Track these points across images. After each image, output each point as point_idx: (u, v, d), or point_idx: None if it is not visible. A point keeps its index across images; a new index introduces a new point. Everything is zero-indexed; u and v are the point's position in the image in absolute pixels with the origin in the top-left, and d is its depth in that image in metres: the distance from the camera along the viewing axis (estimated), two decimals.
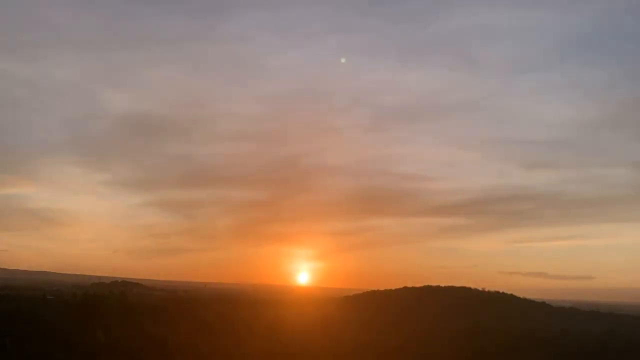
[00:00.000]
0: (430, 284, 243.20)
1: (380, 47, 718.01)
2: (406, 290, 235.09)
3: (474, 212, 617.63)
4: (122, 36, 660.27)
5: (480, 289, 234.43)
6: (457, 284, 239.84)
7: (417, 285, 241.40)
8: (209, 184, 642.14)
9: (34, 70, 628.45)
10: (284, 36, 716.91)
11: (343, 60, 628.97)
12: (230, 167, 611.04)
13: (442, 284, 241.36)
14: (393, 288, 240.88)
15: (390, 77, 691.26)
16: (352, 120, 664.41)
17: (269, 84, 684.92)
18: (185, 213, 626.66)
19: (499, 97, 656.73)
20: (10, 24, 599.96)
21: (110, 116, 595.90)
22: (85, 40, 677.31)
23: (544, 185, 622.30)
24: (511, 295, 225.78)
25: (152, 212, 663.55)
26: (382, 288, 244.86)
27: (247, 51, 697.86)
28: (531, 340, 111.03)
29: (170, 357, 71.94)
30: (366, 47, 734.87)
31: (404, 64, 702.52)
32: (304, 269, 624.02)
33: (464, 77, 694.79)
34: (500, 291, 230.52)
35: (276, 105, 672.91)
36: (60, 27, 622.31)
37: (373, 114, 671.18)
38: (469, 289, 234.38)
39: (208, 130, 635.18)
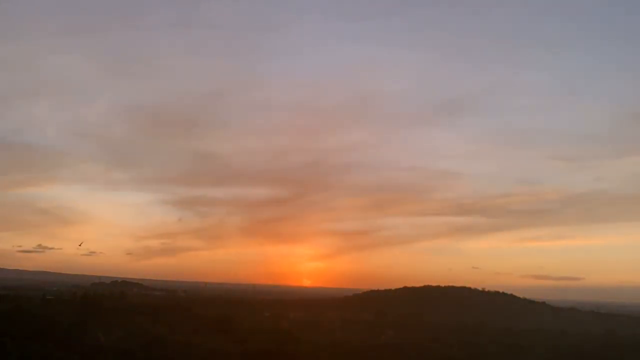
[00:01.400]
0: (430, 284, 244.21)
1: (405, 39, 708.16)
2: (406, 290, 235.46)
3: (474, 211, 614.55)
4: (135, 23, 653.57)
5: (480, 289, 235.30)
6: (457, 284, 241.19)
7: (417, 285, 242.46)
8: (225, 182, 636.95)
9: (44, 63, 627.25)
10: (315, 24, 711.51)
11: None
12: (249, 164, 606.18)
13: (442, 284, 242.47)
14: (393, 288, 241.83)
15: (414, 71, 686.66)
16: (379, 116, 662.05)
17: (297, 76, 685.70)
18: (197, 211, 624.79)
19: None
20: (20, 15, 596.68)
21: (123, 110, 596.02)
22: (98, 30, 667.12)
23: (563, 182, 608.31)
24: (511, 295, 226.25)
25: (162, 210, 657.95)
26: (382, 288, 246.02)
27: (279, 41, 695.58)
28: (531, 340, 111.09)
29: (170, 357, 71.93)
30: (393, 38, 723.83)
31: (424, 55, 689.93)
32: (306, 269, 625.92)
33: (491, 66, 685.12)
34: (500, 291, 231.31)
35: (303, 99, 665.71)
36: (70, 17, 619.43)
37: (398, 109, 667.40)
38: (469, 289, 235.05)
39: (226, 125, 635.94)
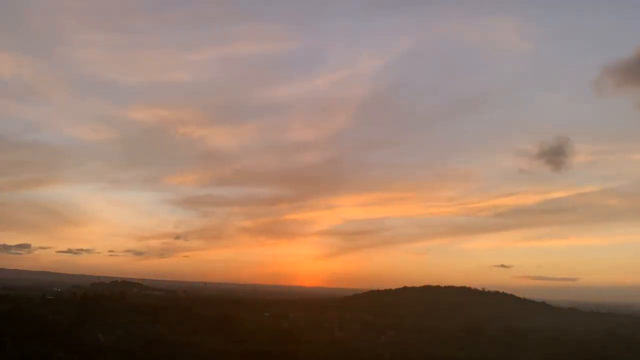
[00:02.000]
0: (430, 284, 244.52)
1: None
2: (406, 290, 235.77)
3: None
4: (142, 19, 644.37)
5: (480, 289, 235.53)
6: (457, 284, 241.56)
7: (417, 285, 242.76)
8: (228, 181, 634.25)
9: (53, 60, 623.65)
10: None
11: None
12: (254, 162, 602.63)
13: (442, 284, 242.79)
14: (393, 288, 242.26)
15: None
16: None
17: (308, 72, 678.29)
18: (198, 211, 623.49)
19: None
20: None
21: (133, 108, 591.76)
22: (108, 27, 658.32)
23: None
24: (511, 295, 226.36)
25: (163, 210, 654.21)
26: (382, 288, 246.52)
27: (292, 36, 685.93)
28: (531, 340, 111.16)
29: (170, 357, 71.97)
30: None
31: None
32: (306, 269, 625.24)
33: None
34: (500, 291, 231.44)
35: (313, 96, 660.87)
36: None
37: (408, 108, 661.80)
38: (469, 289, 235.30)
39: (234, 122, 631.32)
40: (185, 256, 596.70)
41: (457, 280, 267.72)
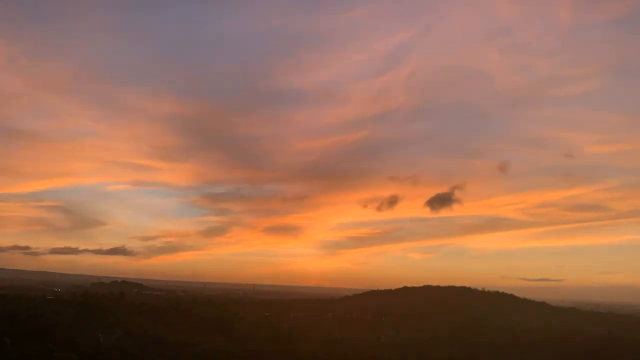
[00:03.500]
0: (430, 283, 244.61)
1: None
2: (406, 290, 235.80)
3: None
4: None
5: (480, 288, 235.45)
6: (457, 284, 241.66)
7: (417, 285, 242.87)
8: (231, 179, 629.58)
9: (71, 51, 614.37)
10: None
11: None
12: (259, 160, 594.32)
13: (442, 284, 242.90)
14: (393, 288, 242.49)
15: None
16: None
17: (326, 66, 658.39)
18: (200, 210, 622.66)
19: None
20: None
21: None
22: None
23: None
24: (511, 295, 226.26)
25: (165, 210, 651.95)
26: (382, 288, 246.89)
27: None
28: (531, 339, 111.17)
29: (170, 357, 72.01)
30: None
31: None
32: (307, 269, 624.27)
33: None
34: (500, 291, 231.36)
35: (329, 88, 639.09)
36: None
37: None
38: (469, 288, 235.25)
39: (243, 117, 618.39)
40: (187, 256, 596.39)
41: (458, 280, 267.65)
